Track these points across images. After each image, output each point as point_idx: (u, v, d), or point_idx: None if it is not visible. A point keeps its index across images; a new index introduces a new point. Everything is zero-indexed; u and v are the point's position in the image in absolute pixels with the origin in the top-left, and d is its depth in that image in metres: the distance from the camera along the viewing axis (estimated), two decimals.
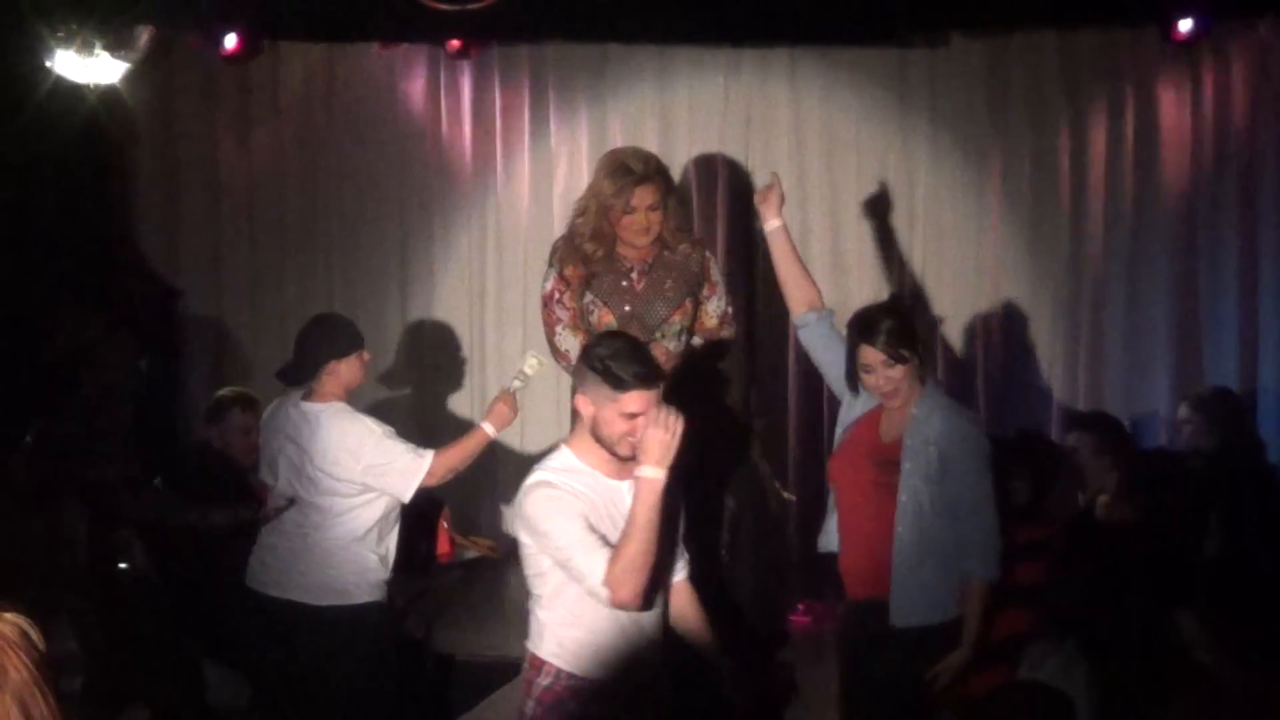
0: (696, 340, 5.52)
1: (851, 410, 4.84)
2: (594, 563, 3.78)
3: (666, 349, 5.31)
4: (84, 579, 4.47)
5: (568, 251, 5.44)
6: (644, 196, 5.28)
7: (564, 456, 3.99)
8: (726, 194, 8.14)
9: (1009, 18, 7.86)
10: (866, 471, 4.69)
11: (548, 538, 3.86)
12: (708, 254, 5.51)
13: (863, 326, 4.67)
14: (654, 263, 5.37)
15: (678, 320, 5.39)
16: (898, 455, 4.62)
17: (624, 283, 5.36)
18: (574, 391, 4.03)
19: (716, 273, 5.52)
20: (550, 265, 5.51)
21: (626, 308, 5.33)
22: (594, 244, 5.35)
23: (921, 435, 4.60)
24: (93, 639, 3.89)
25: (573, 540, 3.82)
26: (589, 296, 5.37)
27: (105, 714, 3.94)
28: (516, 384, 5.21)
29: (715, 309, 5.50)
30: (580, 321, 5.38)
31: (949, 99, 8.09)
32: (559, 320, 5.43)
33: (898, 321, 4.68)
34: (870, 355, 4.62)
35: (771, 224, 5.02)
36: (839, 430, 4.90)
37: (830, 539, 4.83)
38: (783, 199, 5.04)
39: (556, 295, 5.43)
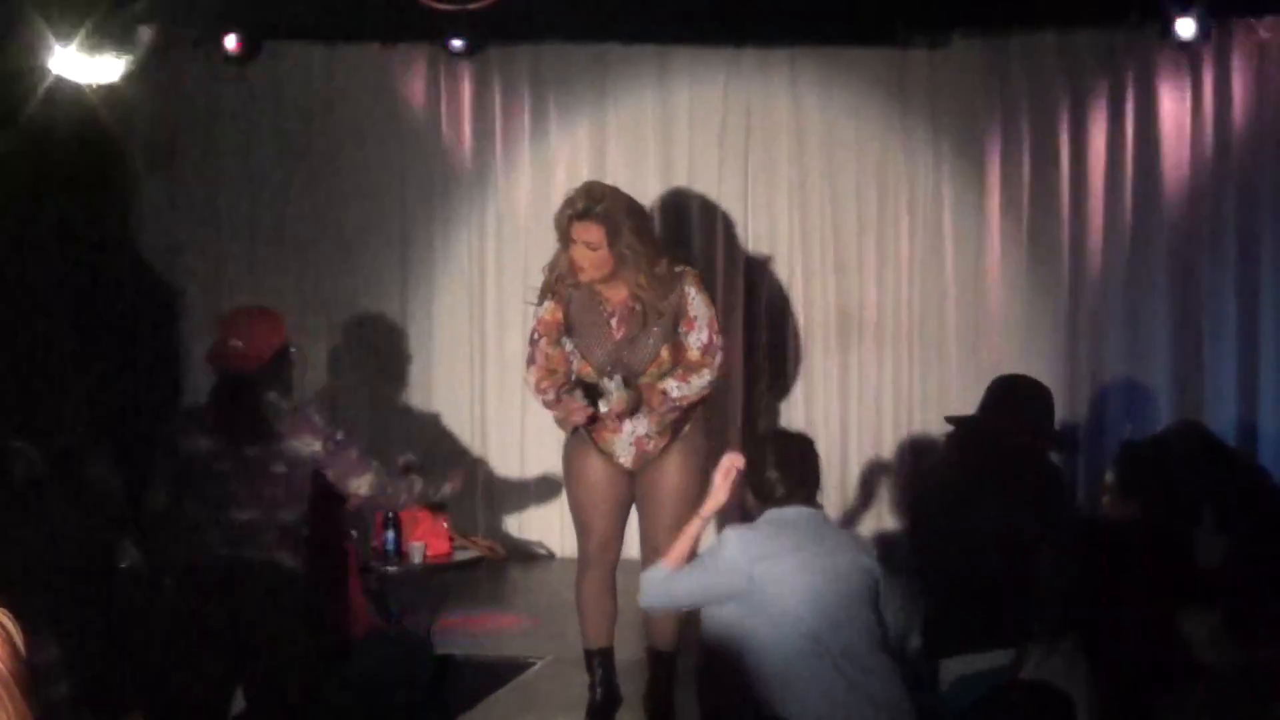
0: (674, 385, 5.16)
1: None
2: None
3: (664, 392, 5.17)
4: (69, 582, 4.42)
5: (550, 282, 5.29)
6: (581, 232, 5.10)
7: None
8: (724, 220, 8.17)
9: (1009, 18, 7.87)
10: None
11: None
12: (688, 288, 5.17)
13: None
14: (635, 307, 5.19)
15: (655, 371, 5.20)
16: None
17: (604, 329, 5.21)
18: None
19: (696, 306, 5.17)
20: (540, 299, 5.35)
21: (604, 355, 5.18)
22: (567, 273, 5.22)
23: None
24: (78, 644, 3.85)
25: None
26: (569, 345, 5.24)
27: None
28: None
29: (695, 341, 5.16)
30: (550, 369, 5.23)
31: (949, 99, 8.10)
32: (531, 360, 5.30)
33: None
34: None
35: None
36: None
37: None
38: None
39: (535, 335, 5.31)
